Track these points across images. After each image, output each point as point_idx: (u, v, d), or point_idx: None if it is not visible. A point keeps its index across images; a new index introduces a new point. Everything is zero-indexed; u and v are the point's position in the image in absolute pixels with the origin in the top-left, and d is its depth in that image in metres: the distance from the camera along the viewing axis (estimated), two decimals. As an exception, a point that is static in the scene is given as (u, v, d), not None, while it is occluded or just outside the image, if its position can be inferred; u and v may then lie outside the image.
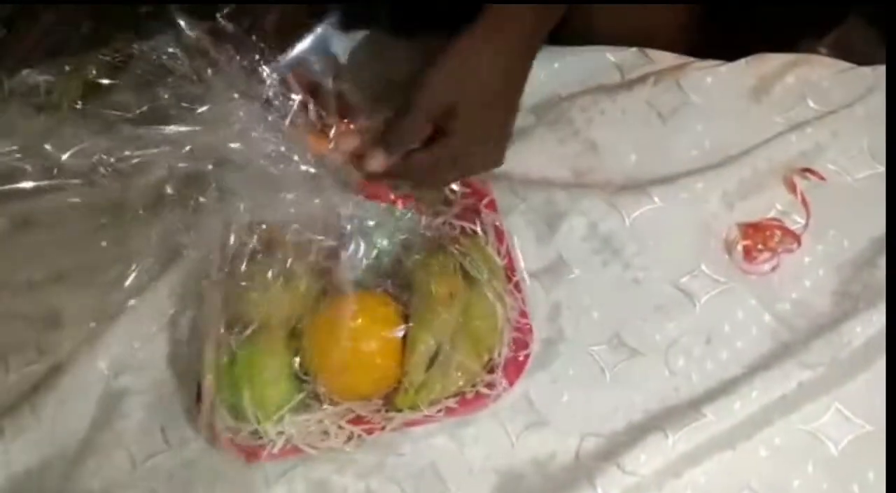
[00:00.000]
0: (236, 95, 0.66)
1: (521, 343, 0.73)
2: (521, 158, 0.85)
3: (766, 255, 0.75)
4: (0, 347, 0.79)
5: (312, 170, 0.67)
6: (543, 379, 0.72)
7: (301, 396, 0.70)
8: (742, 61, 0.87)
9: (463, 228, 0.77)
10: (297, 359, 0.72)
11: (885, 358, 0.69)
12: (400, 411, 0.69)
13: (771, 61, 0.87)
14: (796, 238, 0.76)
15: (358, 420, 0.70)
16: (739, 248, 0.76)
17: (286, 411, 0.69)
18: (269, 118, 0.66)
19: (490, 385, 0.70)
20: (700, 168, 0.81)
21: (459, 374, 0.69)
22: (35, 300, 0.80)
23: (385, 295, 0.73)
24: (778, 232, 0.76)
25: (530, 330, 0.73)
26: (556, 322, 0.75)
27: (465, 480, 0.70)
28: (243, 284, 0.71)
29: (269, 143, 0.66)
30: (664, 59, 0.89)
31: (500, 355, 0.71)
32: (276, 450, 0.69)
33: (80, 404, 0.75)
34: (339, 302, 0.72)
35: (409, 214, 0.73)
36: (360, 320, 0.71)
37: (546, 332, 0.75)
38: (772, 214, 0.78)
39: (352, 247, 0.73)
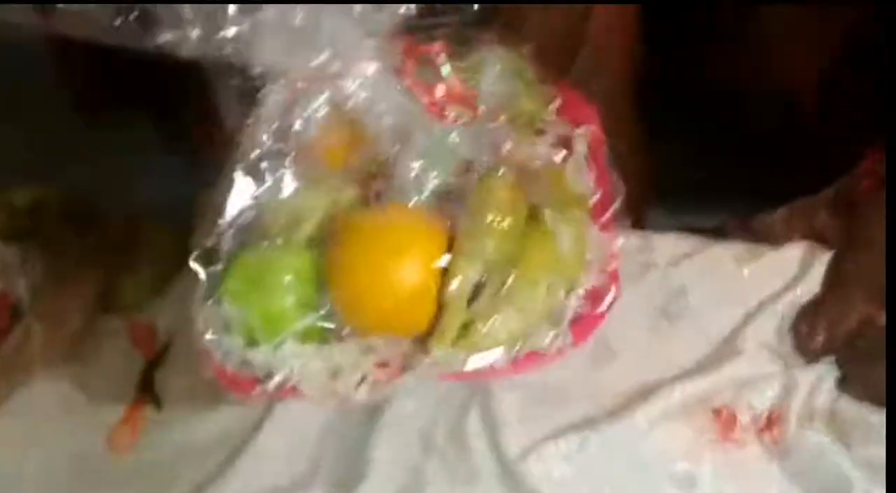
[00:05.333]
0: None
1: (600, 292, 0.56)
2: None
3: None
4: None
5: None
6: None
7: (313, 318, 0.55)
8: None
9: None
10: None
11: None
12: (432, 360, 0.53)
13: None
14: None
15: (380, 364, 0.55)
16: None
17: (290, 333, 0.55)
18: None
19: (552, 339, 0.54)
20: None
21: (511, 316, 0.53)
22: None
23: (430, 212, 0.58)
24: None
25: (616, 277, 0.57)
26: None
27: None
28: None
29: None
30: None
31: (570, 297, 0.55)
32: (271, 387, 0.55)
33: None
34: (375, 212, 0.58)
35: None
36: (397, 236, 0.56)
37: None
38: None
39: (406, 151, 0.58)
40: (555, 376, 0.62)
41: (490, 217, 0.55)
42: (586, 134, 0.63)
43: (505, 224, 0.54)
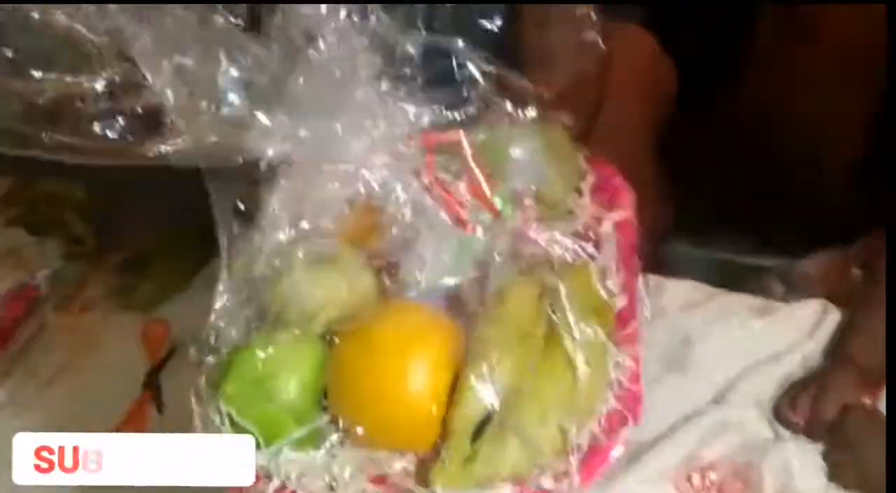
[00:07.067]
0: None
1: (617, 417, 0.53)
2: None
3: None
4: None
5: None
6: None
7: (312, 426, 0.53)
8: None
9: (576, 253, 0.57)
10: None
11: None
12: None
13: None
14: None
15: (378, 479, 0.53)
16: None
17: (289, 442, 0.53)
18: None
19: (560, 477, 0.51)
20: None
21: (518, 451, 0.50)
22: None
23: (442, 315, 0.55)
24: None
25: (638, 400, 0.53)
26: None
27: None
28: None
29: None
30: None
31: (581, 431, 0.51)
32: (270, 490, 0.53)
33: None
34: (385, 312, 0.54)
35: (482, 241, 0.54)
36: (407, 342, 0.53)
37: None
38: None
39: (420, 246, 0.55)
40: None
41: (509, 335, 0.51)
42: (617, 222, 0.59)
43: (525, 345, 0.51)
